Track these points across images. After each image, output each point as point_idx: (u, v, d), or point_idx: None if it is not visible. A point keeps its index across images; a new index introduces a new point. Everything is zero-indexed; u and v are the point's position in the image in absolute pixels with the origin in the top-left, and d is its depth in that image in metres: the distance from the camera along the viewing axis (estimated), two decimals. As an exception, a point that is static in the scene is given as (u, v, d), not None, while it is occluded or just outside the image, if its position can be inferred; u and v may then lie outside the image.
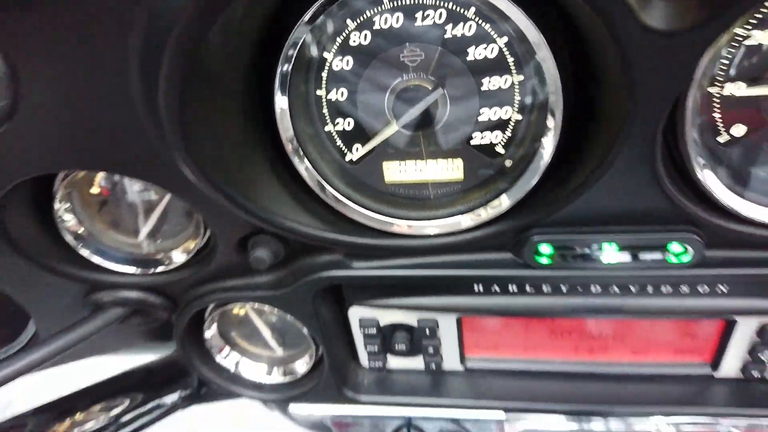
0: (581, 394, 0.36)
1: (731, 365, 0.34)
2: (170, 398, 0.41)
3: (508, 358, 0.38)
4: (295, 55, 0.25)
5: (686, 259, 0.27)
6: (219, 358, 0.39)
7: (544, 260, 0.29)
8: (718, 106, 0.24)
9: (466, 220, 0.29)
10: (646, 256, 0.27)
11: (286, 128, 0.27)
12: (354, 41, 0.25)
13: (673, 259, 0.27)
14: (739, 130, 0.25)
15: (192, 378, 0.42)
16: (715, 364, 0.35)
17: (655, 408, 0.35)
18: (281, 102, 0.26)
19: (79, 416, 0.36)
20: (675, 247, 0.27)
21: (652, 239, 0.27)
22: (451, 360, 0.38)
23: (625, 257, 0.28)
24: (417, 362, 0.39)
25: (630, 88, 0.21)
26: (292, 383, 0.40)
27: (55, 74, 0.22)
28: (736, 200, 0.26)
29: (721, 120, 0.25)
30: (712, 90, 0.24)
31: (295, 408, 0.41)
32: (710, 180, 0.25)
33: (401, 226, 0.30)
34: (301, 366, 0.40)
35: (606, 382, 0.36)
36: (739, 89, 0.24)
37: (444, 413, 0.39)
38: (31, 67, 0.22)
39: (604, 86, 0.23)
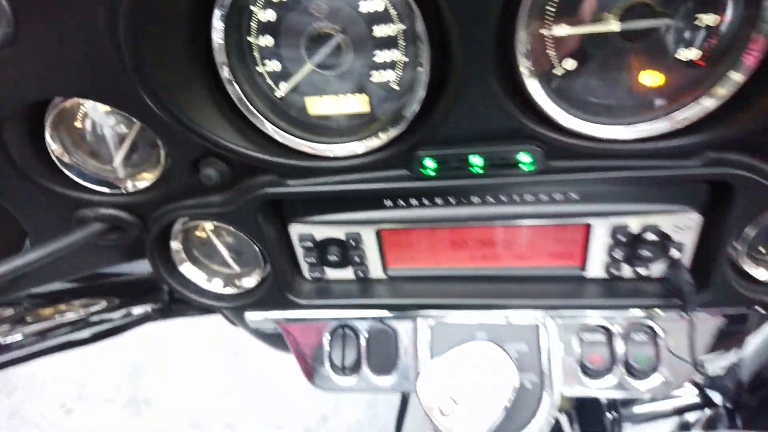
0: (479, 292, 0.44)
1: (596, 266, 0.42)
2: (143, 308, 0.49)
3: (421, 267, 0.46)
4: (229, 3, 0.33)
5: (533, 167, 0.35)
6: (183, 270, 0.47)
7: (430, 172, 0.36)
8: (551, 43, 0.32)
9: (373, 142, 0.37)
10: (503, 166, 0.35)
11: (221, 63, 0.34)
12: (273, -4, 0.33)
13: (525, 168, 0.35)
14: (570, 64, 0.33)
15: (163, 293, 0.50)
16: (584, 266, 0.43)
17: (540, 302, 0.43)
18: (218, 42, 0.34)
19: (62, 307, 0.44)
20: (523, 156, 0.35)
21: (505, 151, 0.35)
22: (375, 269, 0.46)
23: (489, 168, 0.36)
24: (349, 273, 0.47)
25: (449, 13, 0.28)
26: (246, 293, 0.48)
27: (47, 11, 0.30)
28: (566, 117, 0.33)
29: (555, 55, 0.32)
30: (543, 31, 0.31)
31: (249, 315, 0.49)
32: (543, 101, 0.33)
33: (317, 149, 0.37)
34: (254, 279, 0.48)
35: (499, 283, 0.45)
36: (563, 30, 0.31)
37: (372, 314, 0.47)
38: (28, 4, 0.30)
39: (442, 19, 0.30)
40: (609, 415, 0.58)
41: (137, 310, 0.49)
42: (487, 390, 0.38)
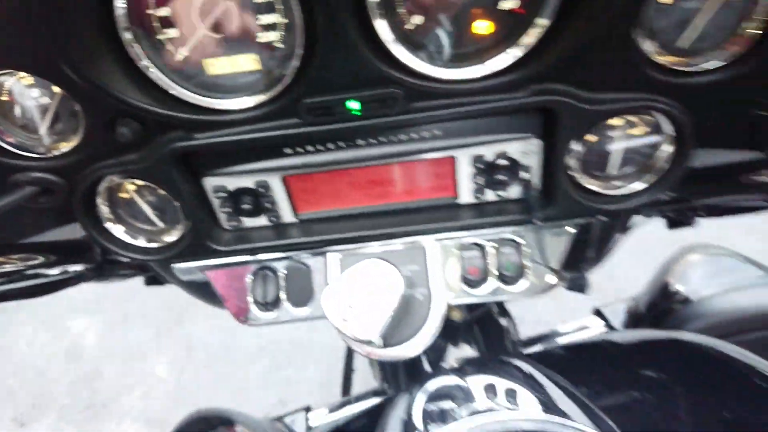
0: (377, 225, 0.52)
1: (466, 193, 0.51)
2: (78, 267, 0.54)
3: (327, 209, 0.53)
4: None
5: (398, 108, 0.42)
6: (110, 228, 0.52)
7: (316, 110, 0.43)
8: (400, 3, 0.39)
9: (263, 96, 0.43)
10: (374, 108, 0.43)
11: (124, 29, 0.40)
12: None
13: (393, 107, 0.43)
14: (418, 19, 0.40)
15: (95, 253, 0.55)
16: (457, 194, 0.51)
17: (426, 227, 0.51)
18: (121, 11, 0.39)
19: (0, 259, 0.48)
20: (391, 99, 0.42)
21: (373, 95, 0.42)
22: (287, 214, 0.53)
23: (365, 110, 0.43)
24: (263, 220, 0.53)
25: None
26: (171, 245, 0.53)
27: None
28: (419, 63, 0.41)
29: (404, 12, 0.40)
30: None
31: (176, 266, 0.55)
32: (398, 52, 0.41)
33: (213, 104, 0.43)
34: (177, 233, 0.53)
35: (392, 216, 0.52)
36: None
37: (287, 254, 0.54)
38: None
39: None
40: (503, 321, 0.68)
41: (73, 268, 0.54)
42: (379, 298, 0.45)
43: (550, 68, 0.41)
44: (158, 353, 2.35)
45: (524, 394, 0.43)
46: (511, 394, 0.44)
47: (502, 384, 0.45)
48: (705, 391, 0.55)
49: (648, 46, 0.40)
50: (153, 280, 0.77)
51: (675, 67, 0.40)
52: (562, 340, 0.80)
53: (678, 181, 0.46)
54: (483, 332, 0.68)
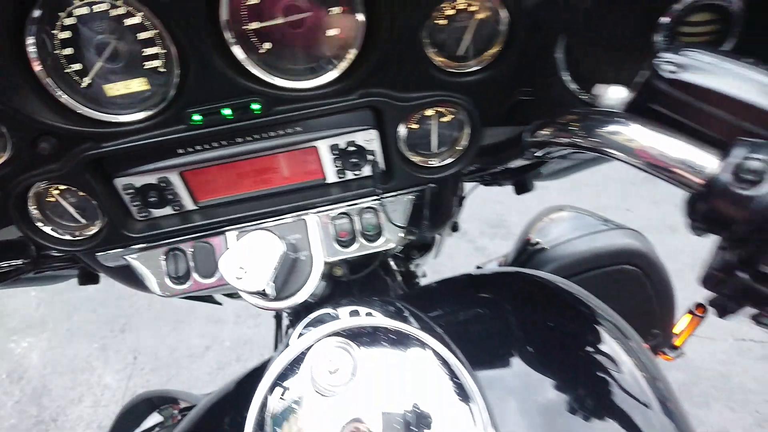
0: (265, 206, 0.65)
1: (331, 175, 0.65)
2: (16, 262, 0.64)
3: (222, 196, 0.66)
4: (35, 32, 0.49)
5: (261, 112, 0.56)
6: (41, 227, 0.63)
7: (197, 118, 0.56)
8: (251, 33, 0.53)
9: (152, 112, 0.55)
10: (243, 113, 0.56)
11: (37, 67, 0.51)
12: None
13: (257, 113, 0.56)
14: (267, 45, 0.54)
15: (30, 249, 0.66)
16: (325, 176, 0.65)
17: (305, 203, 0.65)
18: (32, 53, 0.51)
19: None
20: (254, 106, 0.56)
21: (240, 103, 0.55)
22: (188, 203, 0.65)
23: (236, 115, 0.56)
24: (169, 210, 0.66)
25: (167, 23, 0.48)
26: (93, 236, 0.65)
27: None
28: (273, 78, 0.55)
29: (256, 40, 0.53)
30: (243, 27, 0.52)
31: (100, 255, 0.66)
32: (257, 72, 0.54)
33: (116, 119, 0.55)
34: (97, 226, 0.65)
35: (277, 197, 0.66)
36: (256, 25, 0.52)
37: (193, 236, 0.66)
38: None
39: None
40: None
41: (11, 262, 0.64)
42: (263, 259, 0.59)
43: (366, 79, 0.55)
44: (105, 363, 2.38)
45: (379, 314, 0.58)
46: (369, 314, 0.58)
47: (364, 309, 0.59)
48: (535, 311, 0.72)
49: (437, 57, 0.55)
50: (86, 279, 0.86)
51: (456, 70, 0.56)
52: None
53: (474, 154, 0.62)
54: (371, 287, 0.83)
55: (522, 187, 0.92)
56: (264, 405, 0.50)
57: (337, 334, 0.50)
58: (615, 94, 0.46)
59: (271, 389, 0.50)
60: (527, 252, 1.01)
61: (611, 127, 0.43)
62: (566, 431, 0.57)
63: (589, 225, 1.00)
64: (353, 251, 0.67)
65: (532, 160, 0.70)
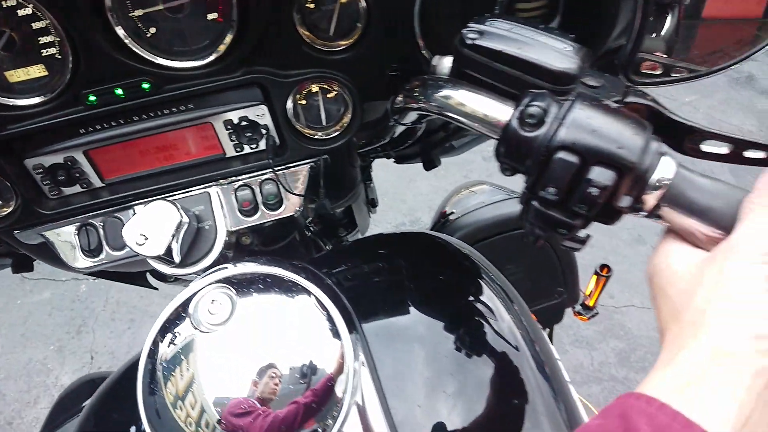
0: (171, 180, 0.71)
1: (230, 149, 0.71)
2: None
3: (129, 173, 0.71)
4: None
5: (150, 90, 0.62)
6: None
7: (92, 99, 0.61)
8: (137, 18, 0.58)
9: (51, 95, 0.60)
10: (135, 92, 0.62)
11: None
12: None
13: (148, 91, 0.62)
14: (153, 30, 0.60)
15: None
16: (224, 151, 0.71)
17: (208, 176, 0.71)
18: None
19: None
20: (144, 85, 0.61)
21: (131, 83, 0.61)
22: (96, 181, 0.70)
23: (128, 94, 0.61)
24: (78, 188, 0.70)
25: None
26: (7, 216, 0.69)
27: None
28: (158, 59, 0.60)
29: (141, 24, 0.59)
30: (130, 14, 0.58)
31: (18, 234, 0.71)
32: (143, 53, 0.60)
33: (18, 102, 0.60)
34: (11, 206, 0.69)
35: (181, 172, 0.71)
36: (140, 12, 0.58)
37: (103, 211, 0.71)
38: None
39: None
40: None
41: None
42: (163, 226, 0.64)
43: (246, 58, 0.62)
44: (61, 365, 2.38)
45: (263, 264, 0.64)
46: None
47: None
48: (427, 267, 0.79)
49: (310, 36, 0.62)
50: (19, 267, 0.89)
51: (328, 49, 0.63)
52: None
53: (359, 127, 0.69)
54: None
55: (430, 163, 1.00)
56: (154, 352, 0.56)
57: (221, 280, 0.57)
58: (446, 63, 0.53)
59: (162, 336, 0.56)
60: (441, 222, 1.09)
61: (438, 91, 0.51)
62: (440, 369, 0.65)
63: (497, 195, 1.08)
64: (256, 220, 0.73)
65: (417, 130, 0.78)
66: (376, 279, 0.75)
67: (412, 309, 0.70)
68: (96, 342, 2.43)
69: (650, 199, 0.42)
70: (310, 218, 0.87)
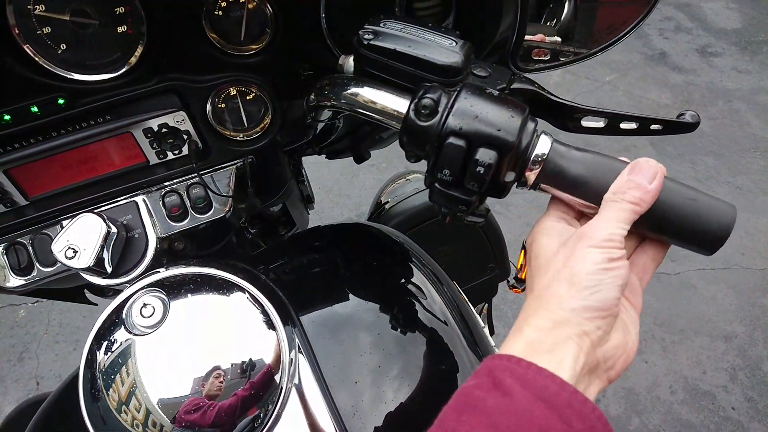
0: (98, 191, 0.71)
1: (153, 157, 0.72)
2: None
3: (54, 188, 0.71)
4: None
5: (65, 104, 0.62)
6: None
7: (8, 121, 0.61)
8: (45, 36, 0.59)
9: None
10: (51, 108, 0.62)
11: None
12: None
13: (63, 106, 0.62)
14: (64, 46, 0.60)
15: None
16: (147, 159, 0.72)
17: (134, 185, 0.71)
18: None
19: None
20: (60, 100, 0.62)
21: (46, 99, 0.61)
22: (20, 199, 0.70)
23: (43, 110, 0.62)
24: (2, 207, 0.70)
25: None
26: None
27: None
28: (69, 74, 0.61)
29: (51, 42, 0.59)
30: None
31: None
32: (53, 69, 0.60)
33: None
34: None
35: (108, 182, 0.72)
36: (46, 29, 0.58)
37: (30, 229, 0.71)
38: None
39: None
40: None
41: None
42: (89, 238, 0.65)
43: (159, 67, 0.63)
44: (3, 395, 2.28)
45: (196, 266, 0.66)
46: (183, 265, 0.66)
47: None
48: (361, 255, 0.83)
49: (221, 42, 0.64)
50: None
51: (241, 53, 0.66)
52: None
53: (280, 127, 0.72)
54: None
55: (359, 157, 1.04)
56: (92, 361, 0.57)
57: (152, 284, 0.59)
58: (351, 62, 0.57)
59: (98, 344, 0.58)
60: (377, 212, 1.13)
61: (345, 89, 0.55)
62: (375, 348, 0.69)
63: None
64: (186, 224, 0.74)
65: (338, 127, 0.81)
66: (312, 271, 0.78)
67: (347, 296, 0.74)
68: (41, 367, 2.33)
69: (531, 174, 0.48)
70: (244, 219, 0.89)
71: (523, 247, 1.34)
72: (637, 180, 0.43)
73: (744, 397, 2.12)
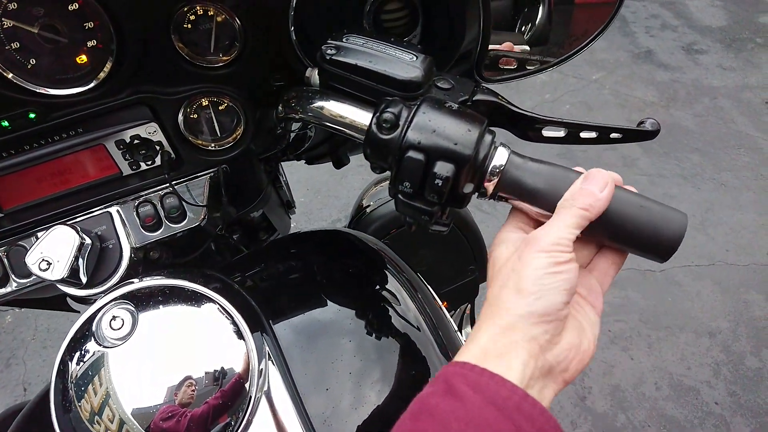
0: (72, 202, 0.71)
1: (126, 168, 0.73)
2: None
3: (30, 200, 0.71)
4: None
5: (36, 119, 0.62)
6: None
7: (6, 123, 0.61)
8: (14, 53, 0.59)
9: None
10: (23, 122, 0.62)
11: None
12: None
13: (35, 120, 0.63)
14: (33, 61, 0.61)
15: None
16: (120, 170, 0.73)
17: (108, 196, 0.72)
18: None
19: None
20: (31, 114, 0.62)
21: (18, 113, 0.62)
22: (-8, 211, 0.70)
23: (14, 124, 0.62)
24: (-25, 221, 0.70)
25: None
26: None
27: None
28: (38, 88, 0.62)
29: (20, 58, 0.60)
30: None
31: None
32: (20, 82, 0.60)
33: None
34: None
35: (82, 193, 0.72)
36: (15, 45, 0.59)
37: (4, 241, 0.71)
38: None
39: None
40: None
41: None
42: (64, 250, 0.65)
43: (129, 80, 0.64)
44: (-9, 401, 2.26)
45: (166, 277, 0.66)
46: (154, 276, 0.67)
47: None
48: (337, 262, 0.84)
49: (190, 54, 0.65)
50: None
51: (211, 64, 0.66)
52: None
53: (250, 136, 0.73)
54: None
55: (338, 162, 1.05)
56: (64, 372, 0.58)
57: (121, 296, 0.59)
58: (316, 74, 0.58)
59: (70, 356, 0.58)
60: (358, 216, 1.14)
61: (311, 102, 0.56)
62: (347, 355, 0.70)
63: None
64: (161, 234, 0.75)
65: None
66: (288, 278, 0.79)
67: (322, 303, 0.75)
68: (28, 373, 2.33)
69: (490, 185, 0.49)
70: (221, 227, 0.90)
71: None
72: (589, 188, 0.44)
73: (727, 392, 2.15)
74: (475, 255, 1.17)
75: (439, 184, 0.47)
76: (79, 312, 1.05)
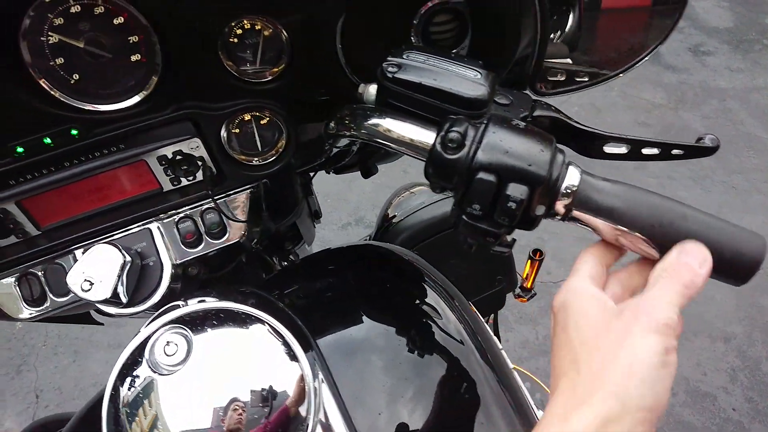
0: (110, 220, 0.70)
1: (166, 183, 0.71)
2: None
3: (66, 218, 0.70)
4: None
5: (78, 135, 0.61)
6: None
7: (20, 150, 0.60)
8: (57, 68, 0.58)
9: None
10: (66, 139, 0.61)
11: None
12: None
13: (77, 137, 0.61)
14: (77, 76, 0.59)
15: None
16: (161, 186, 0.71)
17: (148, 212, 0.70)
18: None
19: None
20: (74, 131, 0.61)
21: (60, 130, 0.60)
22: (32, 229, 0.69)
23: (56, 142, 0.61)
24: (14, 238, 0.69)
25: None
26: None
27: None
28: (83, 105, 0.60)
29: (63, 73, 0.58)
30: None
31: None
32: (66, 99, 0.59)
33: None
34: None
35: (121, 210, 0.71)
36: (59, 60, 0.57)
37: (42, 259, 0.70)
38: None
39: None
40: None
41: None
42: (106, 269, 0.64)
43: (174, 95, 0.62)
44: (3, 409, 2.25)
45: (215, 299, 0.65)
46: (202, 300, 0.65)
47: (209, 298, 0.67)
48: (375, 278, 0.83)
49: (236, 69, 0.63)
50: None
51: (257, 79, 0.65)
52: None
53: (295, 150, 0.71)
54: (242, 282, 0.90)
55: (367, 172, 1.03)
56: (115, 397, 0.56)
57: (174, 321, 0.58)
58: (372, 90, 0.57)
59: (121, 380, 0.57)
60: (384, 227, 1.13)
61: (367, 120, 0.54)
62: (396, 375, 0.69)
63: (435, 195, 1.13)
64: (201, 250, 0.74)
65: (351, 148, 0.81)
66: (326, 295, 0.78)
67: (363, 320, 0.74)
68: (40, 379, 2.31)
69: (561, 206, 0.47)
70: (257, 241, 0.88)
71: (529, 258, 1.35)
72: (689, 262, 0.40)
73: (744, 398, 2.14)
74: (503, 265, 1.15)
75: (513, 207, 0.46)
76: (102, 324, 1.03)
